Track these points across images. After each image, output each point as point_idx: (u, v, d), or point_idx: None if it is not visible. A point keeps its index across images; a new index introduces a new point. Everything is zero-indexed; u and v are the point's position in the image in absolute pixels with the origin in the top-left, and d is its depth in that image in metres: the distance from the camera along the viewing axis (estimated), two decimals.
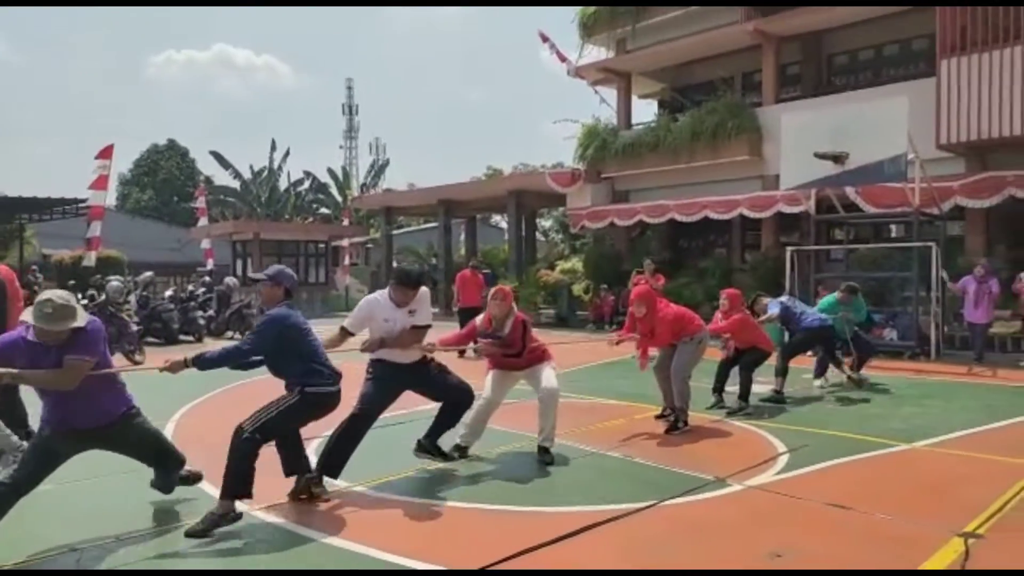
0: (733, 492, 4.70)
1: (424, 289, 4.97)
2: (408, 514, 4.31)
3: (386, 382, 4.89)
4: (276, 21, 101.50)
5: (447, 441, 5.33)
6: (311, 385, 4.21)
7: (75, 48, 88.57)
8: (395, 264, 28.24)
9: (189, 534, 3.85)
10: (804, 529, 4.02)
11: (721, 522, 4.17)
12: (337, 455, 4.64)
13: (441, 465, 5.21)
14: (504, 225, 38.62)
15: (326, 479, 4.61)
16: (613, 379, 9.55)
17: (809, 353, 8.79)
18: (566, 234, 31.28)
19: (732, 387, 7.44)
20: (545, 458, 5.35)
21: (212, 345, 14.21)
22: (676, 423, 6.39)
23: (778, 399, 7.74)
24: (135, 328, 12.74)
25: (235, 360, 4.21)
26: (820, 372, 8.81)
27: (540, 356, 5.60)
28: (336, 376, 4.33)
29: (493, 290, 5.58)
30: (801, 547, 3.72)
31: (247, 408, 4.23)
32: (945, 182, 12.87)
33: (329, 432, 4.80)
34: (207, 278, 18.07)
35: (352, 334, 4.88)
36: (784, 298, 8.91)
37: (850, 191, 13.38)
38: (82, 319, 3.74)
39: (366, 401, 4.79)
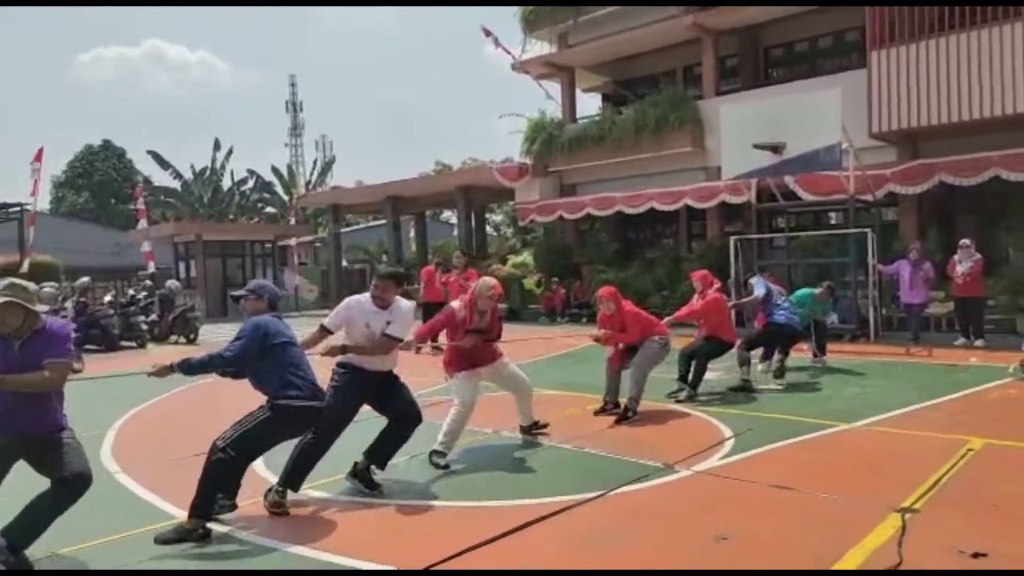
0: (680, 478, 4.79)
1: (407, 303, 4.85)
2: (355, 515, 4.28)
3: (352, 392, 4.65)
4: (209, 15, 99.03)
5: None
6: (285, 398, 4.02)
7: None
8: (344, 263, 27.93)
9: (158, 540, 3.81)
10: (749, 511, 4.12)
11: (667, 508, 4.24)
12: (300, 469, 4.41)
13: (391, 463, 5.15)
14: (454, 220, 38.51)
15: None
16: (565, 371, 9.62)
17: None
18: (517, 228, 31.35)
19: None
20: (536, 430, 5.94)
21: (156, 351, 13.86)
22: (626, 413, 6.50)
23: (747, 387, 7.80)
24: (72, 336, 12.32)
25: (219, 366, 4.06)
26: (766, 356, 9.00)
27: (496, 351, 5.71)
28: (315, 390, 4.15)
29: (489, 285, 5.50)
30: (746, 530, 3.81)
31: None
32: (879, 169, 13.31)
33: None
34: (148, 282, 17.55)
35: (331, 332, 4.76)
36: (770, 284, 8.95)
37: (789, 180, 13.72)
38: (41, 308, 3.63)
39: (332, 413, 4.44)
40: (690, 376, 7.43)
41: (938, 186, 13.14)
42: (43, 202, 42.16)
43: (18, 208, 18.30)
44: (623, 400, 6.67)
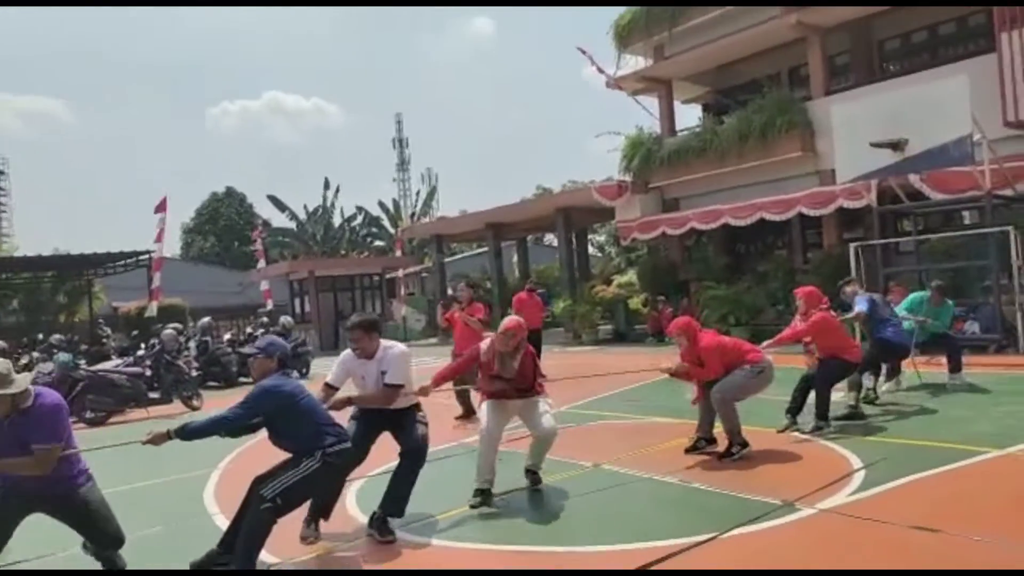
0: (803, 517, 4.27)
1: (400, 348, 4.71)
2: (457, 560, 4.04)
3: (365, 424, 4.68)
4: (323, 65, 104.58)
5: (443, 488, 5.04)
6: (329, 447, 4.01)
7: (131, 104, 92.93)
8: (449, 291, 28.28)
9: (194, 566, 3.88)
10: (887, 558, 3.57)
11: (791, 554, 3.76)
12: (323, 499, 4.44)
13: (486, 501, 4.91)
14: (556, 244, 38.35)
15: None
16: (672, 397, 9.09)
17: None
18: (620, 247, 30.80)
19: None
20: (534, 480, 5.19)
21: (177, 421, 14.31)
22: (730, 449, 5.79)
23: (855, 415, 6.86)
24: (194, 374, 12.94)
25: (222, 429, 4.03)
26: (890, 375, 8.16)
27: (538, 388, 5.21)
28: (346, 435, 4.20)
29: (506, 323, 5.09)
30: None
31: None
32: (1018, 161, 12.01)
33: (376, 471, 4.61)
34: (265, 319, 18.33)
35: (336, 388, 4.71)
36: (875, 296, 8.10)
37: (914, 179, 12.61)
38: (21, 385, 3.59)
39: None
40: (803, 406, 6.60)
41: None
42: (174, 247, 45.49)
43: (147, 255, 19.61)
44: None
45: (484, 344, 5.19)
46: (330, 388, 4.69)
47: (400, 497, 4.50)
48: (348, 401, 4.64)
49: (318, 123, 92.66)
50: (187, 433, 3.88)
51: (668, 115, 19.36)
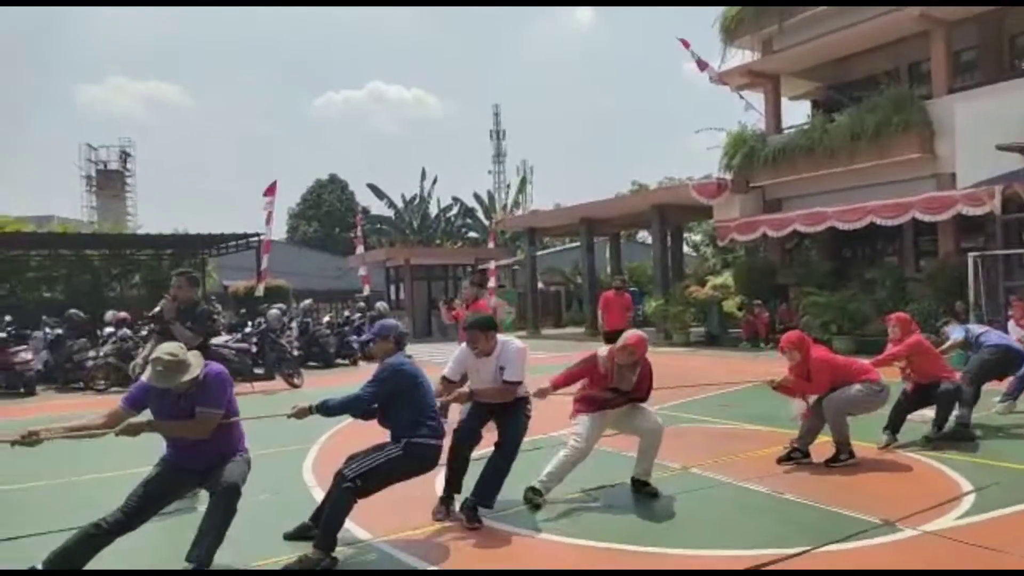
0: (905, 539, 4.06)
1: (517, 344, 4.75)
2: (540, 551, 4.08)
3: (476, 411, 4.80)
4: (424, 56, 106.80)
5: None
6: (417, 437, 4.12)
7: (245, 93, 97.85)
8: (540, 285, 28.36)
9: (287, 537, 4.14)
10: None
11: None
12: (455, 476, 4.68)
13: (569, 496, 4.94)
14: (650, 241, 37.74)
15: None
16: (766, 404, 8.81)
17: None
18: (717, 248, 30.03)
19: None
20: (648, 490, 5.02)
21: (366, 370, 14.84)
22: (837, 456, 5.65)
23: (964, 434, 6.44)
24: (296, 353, 13.54)
25: (356, 408, 4.23)
26: (1012, 395, 7.61)
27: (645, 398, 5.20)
28: (441, 432, 4.25)
29: (628, 337, 5.02)
30: None
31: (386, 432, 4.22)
32: None
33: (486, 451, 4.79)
34: (362, 304, 18.91)
35: (454, 382, 4.83)
36: (969, 324, 7.73)
37: None
38: (196, 370, 3.79)
39: (460, 424, 4.79)
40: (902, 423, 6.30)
41: None
42: (280, 231, 47.57)
43: (256, 237, 20.59)
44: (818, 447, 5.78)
45: (602, 353, 5.13)
46: (449, 382, 4.82)
47: (493, 487, 4.56)
48: (470, 396, 4.76)
49: (418, 113, 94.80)
50: (326, 410, 4.12)
51: (774, 111, 18.73)
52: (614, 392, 5.02)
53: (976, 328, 7.45)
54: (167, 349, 3.78)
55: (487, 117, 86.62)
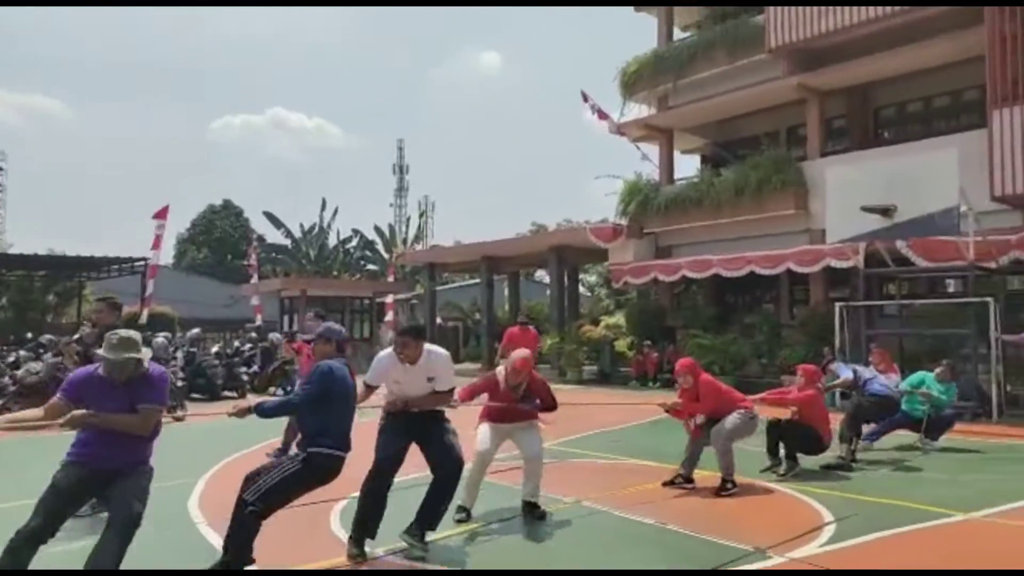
0: (774, 565, 4.40)
1: (443, 353, 4.89)
2: None
3: (393, 433, 4.70)
4: (329, 86, 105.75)
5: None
6: (319, 447, 4.09)
7: (135, 111, 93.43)
8: (439, 320, 28.39)
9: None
10: None
11: None
12: (370, 513, 4.49)
13: (457, 530, 5.05)
14: (547, 280, 38.61)
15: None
16: (654, 439, 9.23)
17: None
18: (610, 289, 31.07)
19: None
20: (536, 513, 5.31)
21: (255, 401, 14.35)
22: (724, 486, 6.17)
23: (842, 466, 7.22)
24: (180, 384, 12.97)
25: (288, 411, 4.52)
26: (872, 437, 8.35)
27: (533, 414, 5.55)
28: (346, 444, 4.20)
29: (514, 359, 5.44)
30: None
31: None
32: (1002, 235, 12.38)
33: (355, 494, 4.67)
34: (253, 334, 18.37)
35: (375, 387, 4.87)
36: (856, 366, 8.51)
37: (901, 244, 12.95)
38: (146, 356, 3.84)
39: (379, 450, 4.65)
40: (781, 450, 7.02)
41: None
42: (167, 256, 45.45)
43: (142, 262, 19.67)
44: (699, 475, 6.33)
45: (500, 371, 5.54)
46: (369, 388, 4.82)
47: (437, 510, 4.60)
48: (406, 404, 4.71)
49: (320, 143, 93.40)
50: (262, 411, 4.17)
51: (667, 164, 19.78)
52: (508, 401, 5.39)
53: (864, 373, 8.18)
54: (125, 330, 3.94)
55: (391, 151, 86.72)
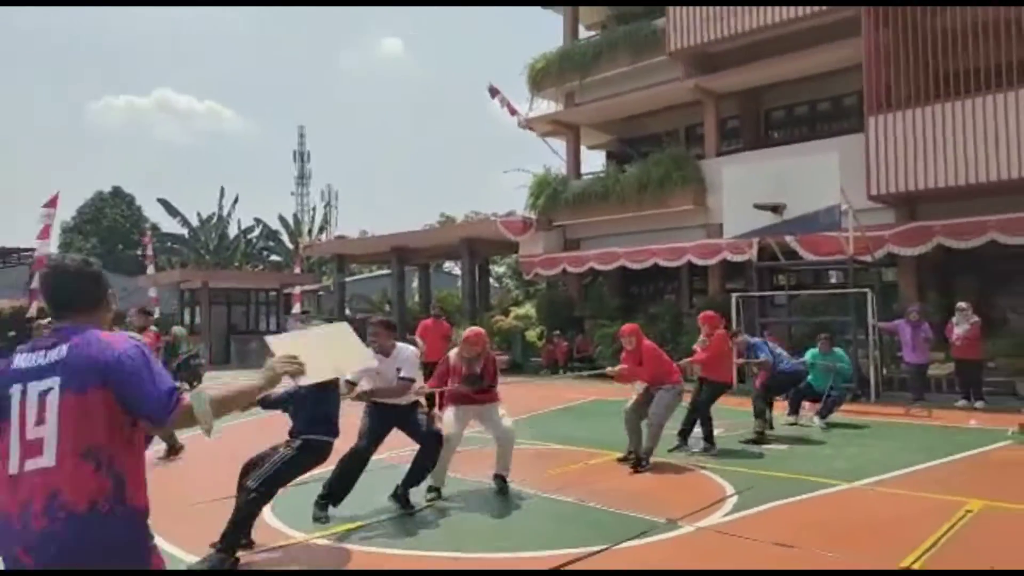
0: (684, 534, 4.84)
1: (412, 349, 5.48)
2: (370, 563, 4.33)
3: (376, 420, 5.37)
4: (218, 66, 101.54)
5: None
6: (314, 434, 4.57)
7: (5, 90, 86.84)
8: (347, 311, 28.08)
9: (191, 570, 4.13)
10: (751, 567, 4.17)
11: (672, 563, 4.30)
12: (341, 484, 5.16)
13: (400, 512, 5.28)
14: (457, 272, 38.80)
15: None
16: (566, 425, 9.68)
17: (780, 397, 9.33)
18: (519, 280, 31.59)
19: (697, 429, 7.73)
20: (501, 486, 5.80)
21: None
22: (640, 462, 6.75)
23: (760, 439, 8.05)
24: None
25: (292, 402, 4.66)
26: (793, 410, 9.31)
27: (494, 395, 5.99)
28: (336, 431, 4.71)
29: (467, 333, 5.95)
30: None
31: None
32: (878, 231, 13.56)
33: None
34: (153, 327, 17.65)
35: (354, 383, 5.28)
36: (765, 342, 9.32)
37: (790, 239, 13.96)
38: None
39: (362, 435, 5.32)
40: (695, 430, 7.66)
41: (936, 248, 13.36)
42: (51, 246, 42.58)
43: (29, 252, 18.56)
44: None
45: (452, 353, 5.94)
46: (349, 383, 5.18)
47: (420, 474, 5.39)
48: (370, 394, 5.26)
49: (212, 127, 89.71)
50: (267, 404, 4.60)
51: (575, 159, 20.36)
52: (470, 382, 5.78)
53: (776, 351, 9.11)
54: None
55: (291, 137, 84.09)
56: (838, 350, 9.85)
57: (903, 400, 11.52)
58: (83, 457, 1.98)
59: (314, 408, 4.57)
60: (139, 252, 31.56)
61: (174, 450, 7.39)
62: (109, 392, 2.01)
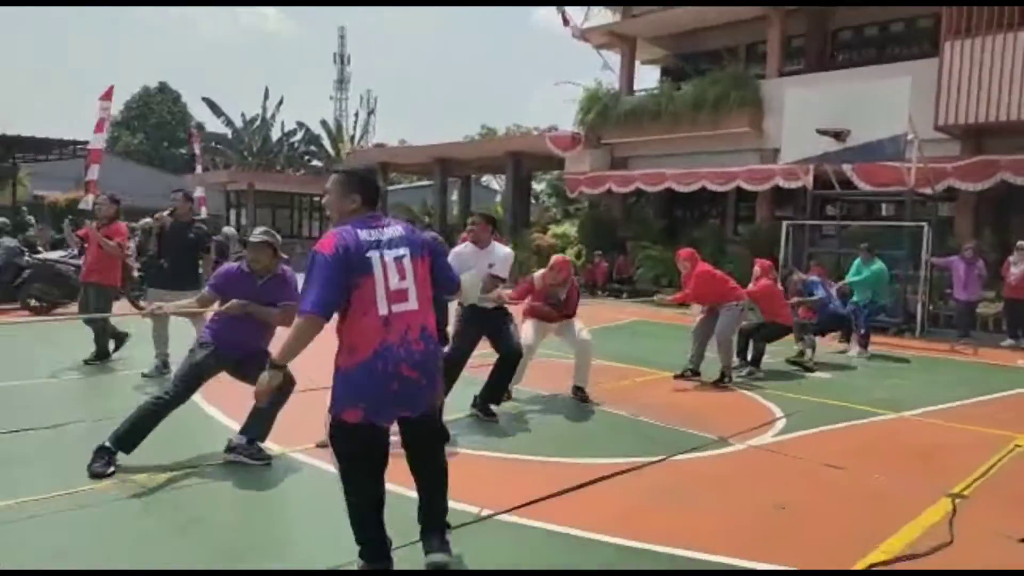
0: (735, 451, 5.01)
1: (508, 249, 5.55)
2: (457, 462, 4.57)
3: (472, 325, 5.49)
4: None
5: None
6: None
7: None
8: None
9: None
10: (803, 486, 4.34)
11: (727, 477, 4.48)
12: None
13: (473, 419, 5.54)
14: (495, 186, 38.57)
15: None
16: (613, 343, 9.84)
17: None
18: (559, 198, 31.36)
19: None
20: (580, 395, 6.07)
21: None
22: (722, 379, 7.09)
23: (802, 363, 8.29)
24: (136, 274, 12.83)
25: None
26: (863, 344, 9.52)
27: (574, 312, 6.18)
28: (444, 339, 4.90)
29: (554, 260, 6.02)
30: (803, 500, 4.04)
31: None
32: (940, 163, 13.13)
33: None
34: (203, 227, 18.06)
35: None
36: (820, 281, 9.42)
37: (847, 168, 13.59)
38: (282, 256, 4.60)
39: (457, 340, 5.44)
40: (749, 354, 7.82)
41: (999, 184, 12.96)
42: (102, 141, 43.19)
43: (83, 145, 18.87)
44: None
45: (538, 275, 5.97)
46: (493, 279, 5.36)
47: (498, 389, 5.53)
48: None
49: (253, 23, 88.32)
50: None
51: (628, 74, 19.84)
52: (551, 306, 5.96)
53: (829, 293, 9.28)
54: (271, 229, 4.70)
55: (331, 39, 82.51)
56: (877, 262, 9.87)
57: (949, 337, 11.48)
58: (427, 303, 2.87)
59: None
60: (185, 151, 31.80)
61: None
62: (429, 261, 2.93)
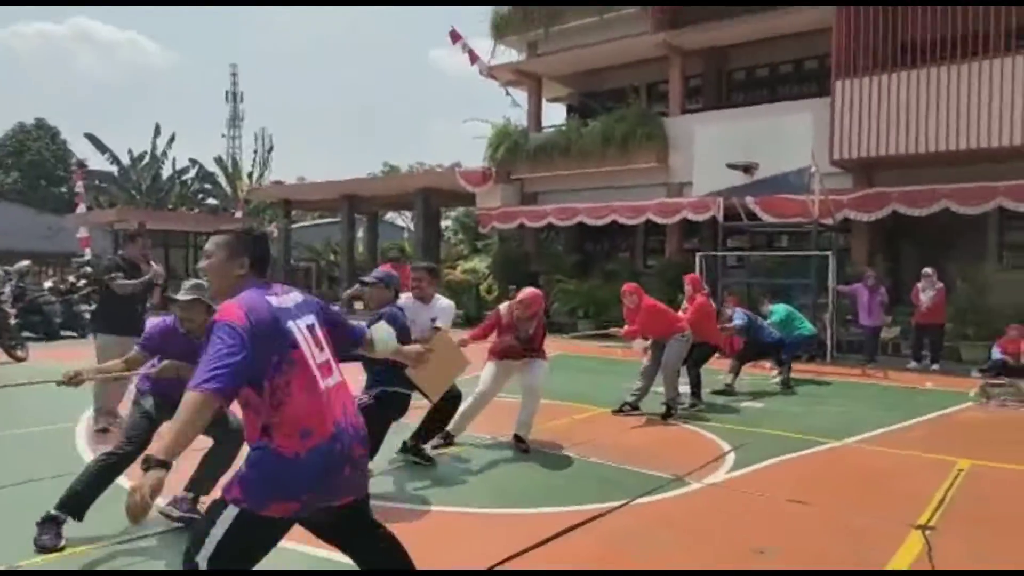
0: (694, 490, 4.80)
1: (448, 301, 5.40)
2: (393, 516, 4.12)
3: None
4: None
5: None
6: (389, 386, 4.43)
7: None
8: (291, 261, 27.26)
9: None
10: (773, 526, 4.15)
11: (694, 520, 4.24)
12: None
13: (410, 466, 5.11)
14: (400, 223, 38.05)
15: None
16: (558, 379, 9.54)
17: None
18: (466, 233, 31.18)
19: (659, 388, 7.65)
20: (520, 446, 5.63)
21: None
22: (669, 412, 6.97)
23: (728, 392, 8.41)
24: (13, 322, 11.63)
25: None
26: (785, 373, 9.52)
27: (543, 352, 5.87)
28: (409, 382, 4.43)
29: (524, 294, 5.73)
30: (778, 543, 3.84)
31: None
32: (838, 195, 13.78)
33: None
34: (87, 269, 16.73)
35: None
36: (748, 312, 9.44)
37: (750, 200, 14.02)
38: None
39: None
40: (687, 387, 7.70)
41: (889, 215, 13.69)
42: None
43: None
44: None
45: (504, 307, 5.73)
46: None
47: (432, 431, 5.31)
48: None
49: (135, 59, 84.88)
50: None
51: (536, 111, 19.98)
52: (517, 340, 5.63)
53: (759, 321, 9.34)
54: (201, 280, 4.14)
55: (222, 76, 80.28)
56: (775, 306, 10.05)
57: (856, 361, 11.88)
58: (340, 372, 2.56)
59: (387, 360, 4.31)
60: (67, 189, 29.69)
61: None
62: (327, 323, 2.60)
